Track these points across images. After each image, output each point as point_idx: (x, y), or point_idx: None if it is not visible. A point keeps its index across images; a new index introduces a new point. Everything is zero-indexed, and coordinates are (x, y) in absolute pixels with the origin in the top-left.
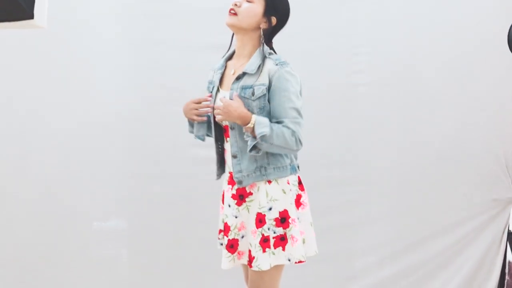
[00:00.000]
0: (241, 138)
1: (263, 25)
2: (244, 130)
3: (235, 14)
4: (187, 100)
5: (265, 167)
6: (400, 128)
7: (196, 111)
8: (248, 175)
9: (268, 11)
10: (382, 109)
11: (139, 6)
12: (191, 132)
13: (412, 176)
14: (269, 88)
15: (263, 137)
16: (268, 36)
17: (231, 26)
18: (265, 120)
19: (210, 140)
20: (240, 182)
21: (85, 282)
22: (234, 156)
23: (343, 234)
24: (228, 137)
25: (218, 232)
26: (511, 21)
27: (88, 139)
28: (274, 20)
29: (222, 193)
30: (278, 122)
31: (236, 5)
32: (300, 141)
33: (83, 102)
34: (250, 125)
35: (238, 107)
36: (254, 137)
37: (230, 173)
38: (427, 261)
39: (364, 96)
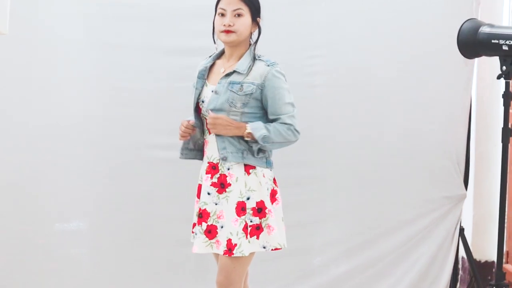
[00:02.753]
0: None
1: (253, 29)
2: (246, 139)
3: (233, 32)
4: (149, 102)
5: (246, 151)
6: (355, 127)
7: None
8: (231, 153)
9: (254, 16)
10: (337, 109)
11: (102, 9)
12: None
13: (367, 174)
14: (262, 88)
15: (264, 138)
16: (257, 36)
17: (231, 43)
18: (259, 123)
19: (170, 141)
20: (225, 158)
21: (47, 281)
22: (218, 136)
23: (299, 232)
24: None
25: (192, 226)
26: (462, 21)
27: (48, 140)
28: (259, 20)
29: (197, 186)
30: (275, 119)
31: (230, 25)
32: (297, 131)
33: (45, 103)
34: (247, 132)
35: (227, 121)
36: (255, 141)
37: (209, 163)
38: (382, 257)
39: (320, 97)
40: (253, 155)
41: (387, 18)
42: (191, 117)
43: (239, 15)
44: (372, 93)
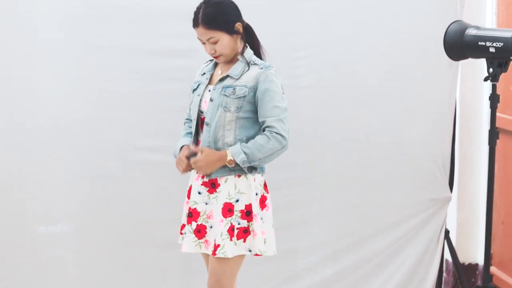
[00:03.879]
0: (213, 134)
1: (238, 37)
2: (229, 166)
3: (220, 55)
4: (135, 104)
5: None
6: (342, 129)
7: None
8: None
9: (230, 30)
10: (323, 111)
11: (86, 10)
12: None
13: (353, 176)
14: (255, 91)
15: (245, 161)
16: (247, 38)
17: (224, 62)
18: (237, 147)
19: (156, 144)
20: (209, 174)
21: (32, 284)
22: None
23: (286, 234)
24: (203, 130)
25: (180, 227)
26: (448, 23)
27: (33, 142)
28: (239, 26)
29: (188, 187)
30: (263, 122)
31: (212, 53)
32: (281, 135)
33: (29, 105)
34: (229, 159)
35: (212, 153)
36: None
37: None
38: (369, 259)
39: (306, 98)
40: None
41: (372, 19)
42: (183, 141)
43: (214, 42)
44: (359, 95)
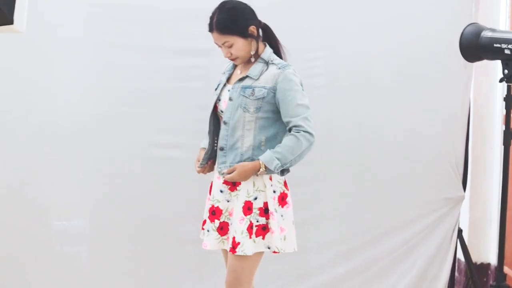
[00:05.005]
0: (232, 133)
1: (253, 40)
2: (258, 174)
3: (236, 58)
4: (152, 102)
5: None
6: (355, 129)
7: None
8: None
9: (244, 34)
10: (337, 110)
11: (104, 10)
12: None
13: (366, 175)
14: (274, 91)
15: (280, 167)
16: (264, 34)
17: (241, 63)
18: (268, 154)
19: (173, 141)
20: (223, 173)
21: (47, 279)
22: (221, 149)
23: (298, 232)
24: (220, 129)
25: (202, 223)
26: (462, 25)
27: (50, 139)
28: (253, 29)
29: (210, 184)
30: (288, 122)
31: (229, 56)
32: (309, 133)
33: (47, 102)
34: (262, 169)
35: (240, 171)
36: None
37: None
38: (380, 259)
39: (320, 98)
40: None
41: (386, 21)
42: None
43: (229, 46)
44: (372, 96)
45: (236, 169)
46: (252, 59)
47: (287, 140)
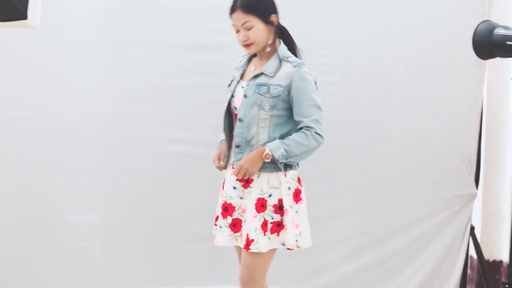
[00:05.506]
0: (247, 131)
1: (271, 30)
2: (265, 160)
3: (251, 44)
4: (165, 98)
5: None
6: (367, 126)
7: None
8: None
9: (265, 18)
10: (349, 107)
11: (115, 6)
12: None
13: (378, 172)
14: (289, 89)
15: (284, 156)
16: (280, 33)
17: (254, 52)
18: (276, 142)
19: (187, 136)
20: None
21: (61, 273)
22: (237, 146)
23: (311, 228)
24: (235, 126)
25: (215, 219)
26: (475, 23)
27: (65, 135)
28: (274, 17)
29: (223, 180)
30: (299, 122)
31: (245, 40)
32: (319, 134)
33: (60, 98)
34: (267, 154)
35: (249, 156)
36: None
37: None
38: (393, 255)
39: (332, 95)
40: (273, 163)
41: (399, 17)
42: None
43: (249, 27)
44: (384, 92)
45: (241, 161)
46: (268, 49)
47: (297, 135)
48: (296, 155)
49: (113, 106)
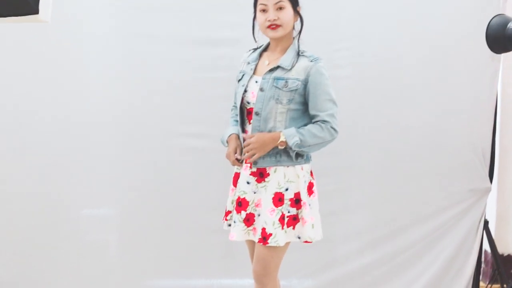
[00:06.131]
0: (264, 124)
1: (295, 19)
2: (280, 147)
3: (279, 26)
4: (179, 92)
5: (280, 154)
6: (381, 120)
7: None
8: (263, 158)
9: (295, 6)
10: (363, 101)
11: (130, 0)
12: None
13: (392, 165)
14: (305, 83)
15: (298, 145)
16: (300, 29)
17: (279, 37)
18: (291, 130)
19: (199, 131)
20: (255, 163)
21: (75, 265)
22: None
23: (325, 221)
24: (252, 119)
25: (225, 214)
26: (490, 16)
27: (79, 129)
28: (299, 9)
29: (233, 175)
30: (314, 116)
31: (275, 19)
32: (333, 129)
33: (75, 92)
34: (281, 141)
35: (262, 135)
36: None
37: None
38: (406, 249)
39: (346, 89)
40: (288, 156)
41: (413, 11)
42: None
43: (281, 8)
44: (398, 87)
45: (255, 135)
46: (294, 33)
47: (312, 127)
48: (310, 146)
49: (126, 100)
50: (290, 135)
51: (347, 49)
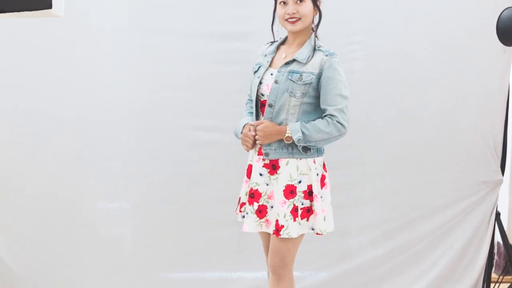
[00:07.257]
0: (276, 116)
1: (315, 14)
2: (286, 142)
3: (298, 19)
4: (193, 86)
5: (292, 147)
6: (393, 112)
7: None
8: (275, 150)
9: (315, 0)
10: (375, 94)
11: None
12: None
13: (404, 158)
14: (319, 77)
15: (300, 140)
16: (318, 23)
17: (297, 31)
18: (296, 125)
19: (213, 124)
20: (267, 154)
21: (89, 259)
22: None
23: (338, 214)
24: (265, 111)
25: (239, 206)
26: (501, 9)
27: (94, 124)
28: (319, 4)
29: (247, 167)
30: (324, 110)
31: (294, 13)
32: (341, 124)
33: (89, 86)
34: (286, 136)
35: (271, 125)
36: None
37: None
38: (418, 241)
39: (358, 82)
40: (297, 146)
41: (425, 4)
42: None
43: (301, 0)
44: (410, 79)
45: (264, 122)
46: (313, 25)
47: (319, 121)
48: (316, 141)
49: (140, 94)
50: (294, 130)
51: (360, 43)
